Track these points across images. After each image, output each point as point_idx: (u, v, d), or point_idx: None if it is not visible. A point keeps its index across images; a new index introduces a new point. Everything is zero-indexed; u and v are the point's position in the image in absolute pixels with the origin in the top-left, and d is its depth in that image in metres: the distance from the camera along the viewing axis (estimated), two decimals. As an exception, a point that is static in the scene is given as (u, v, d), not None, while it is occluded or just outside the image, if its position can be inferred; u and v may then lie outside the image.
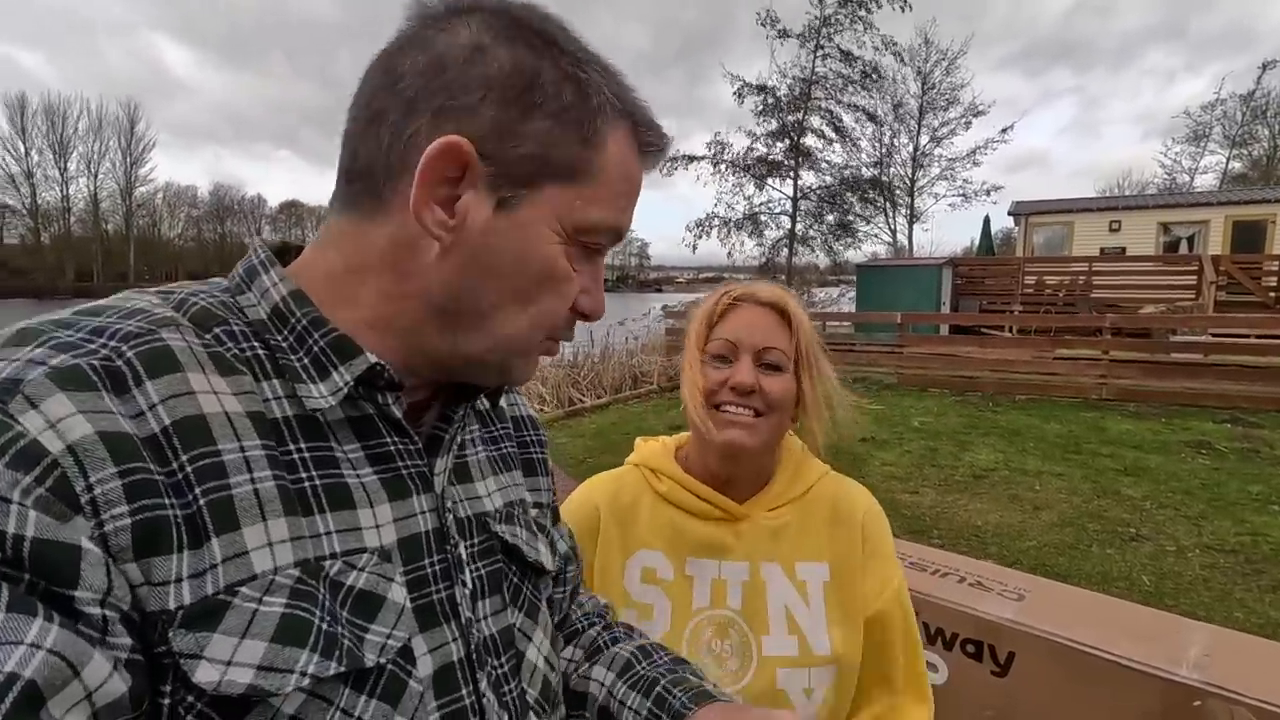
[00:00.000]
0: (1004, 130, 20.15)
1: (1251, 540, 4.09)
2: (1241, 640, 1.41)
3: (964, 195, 21.20)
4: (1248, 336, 9.41)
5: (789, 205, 18.33)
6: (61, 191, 51.24)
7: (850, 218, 18.84)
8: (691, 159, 17.92)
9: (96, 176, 51.98)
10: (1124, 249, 16.39)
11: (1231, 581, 3.60)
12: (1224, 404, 7.31)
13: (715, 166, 18.08)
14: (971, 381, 8.77)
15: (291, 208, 73.62)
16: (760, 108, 17.72)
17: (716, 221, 18.50)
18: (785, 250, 18.33)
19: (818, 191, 18.63)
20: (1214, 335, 9.49)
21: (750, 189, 18.39)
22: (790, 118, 17.72)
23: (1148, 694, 1.29)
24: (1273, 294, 13.02)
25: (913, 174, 22.15)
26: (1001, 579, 1.66)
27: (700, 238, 18.72)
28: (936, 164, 21.93)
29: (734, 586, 0.82)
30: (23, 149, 49.13)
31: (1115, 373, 8.03)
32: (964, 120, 21.14)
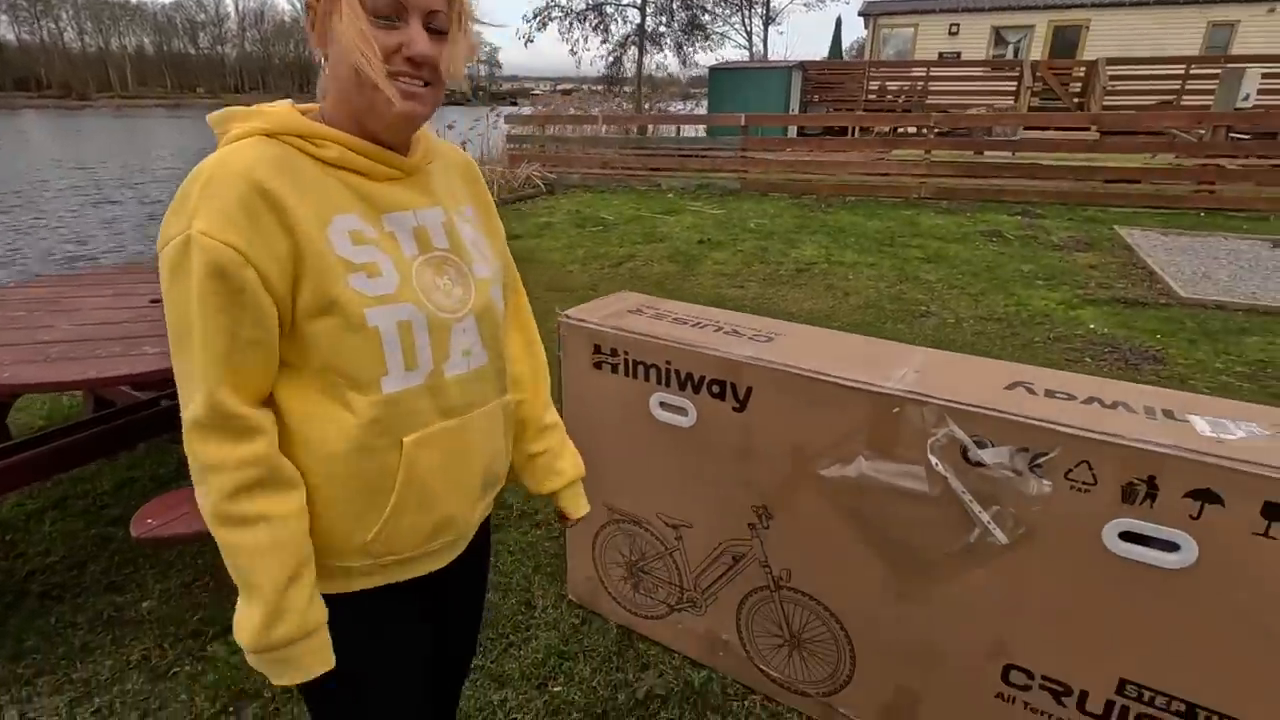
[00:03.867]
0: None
1: (1015, 310, 4.65)
2: (952, 359, 1.51)
3: (818, -7, 20.44)
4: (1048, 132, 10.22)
5: (638, -2, 16.79)
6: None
7: (703, 16, 17.69)
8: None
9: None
10: (959, 54, 16.85)
11: (992, 343, 4.11)
12: (1020, 199, 8.05)
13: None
14: (809, 184, 9.00)
15: None
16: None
17: (557, 11, 16.62)
18: (634, 49, 17.07)
19: (668, -18, 17.11)
20: (1026, 130, 10.21)
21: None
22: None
23: (859, 408, 1.36)
24: (1077, 99, 14.09)
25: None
26: (757, 326, 1.68)
27: (539, 29, 16.84)
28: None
29: (435, 230, 0.87)
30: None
31: (935, 172, 8.51)
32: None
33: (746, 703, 1.71)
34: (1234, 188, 7.49)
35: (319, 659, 0.80)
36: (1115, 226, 6.76)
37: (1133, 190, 7.82)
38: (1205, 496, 1.08)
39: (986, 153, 9.52)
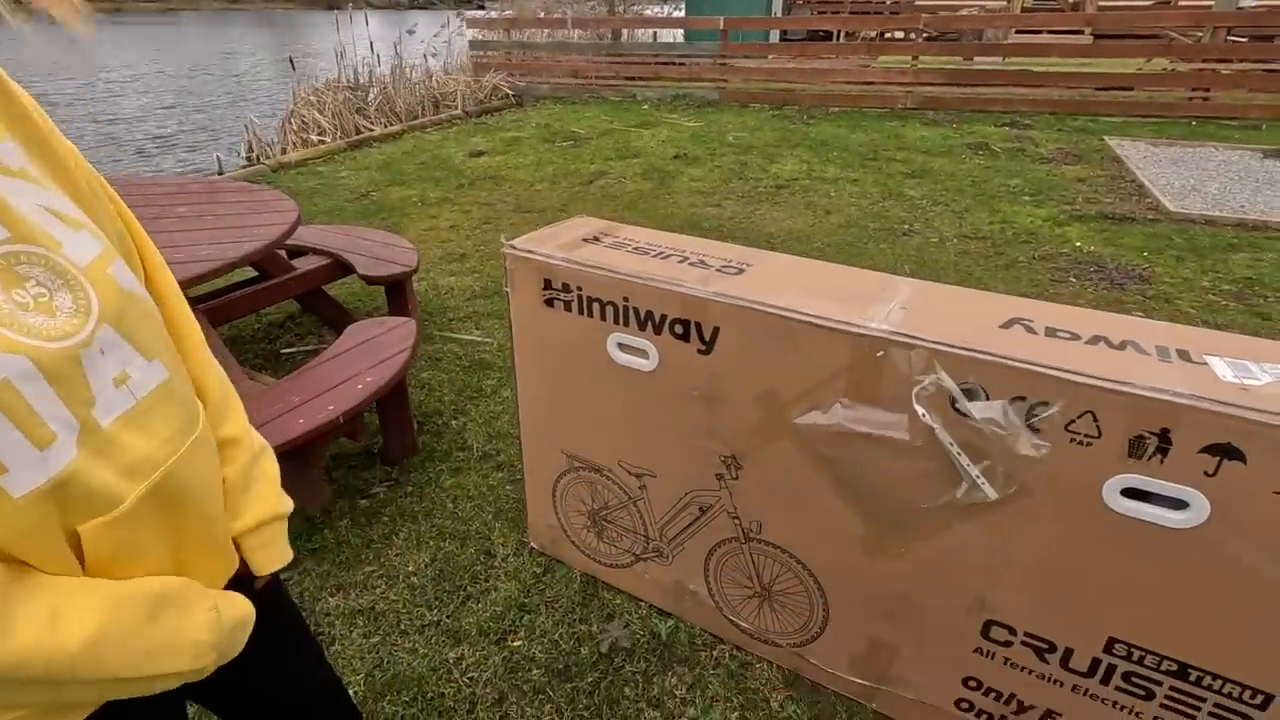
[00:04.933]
0: None
1: (1000, 228, 4.48)
2: (941, 292, 1.35)
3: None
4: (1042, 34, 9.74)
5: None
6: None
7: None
8: None
9: None
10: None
11: (975, 263, 3.95)
12: (1009, 109, 7.71)
13: None
14: (792, 94, 8.54)
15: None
16: None
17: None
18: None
19: None
20: (1017, 35, 9.72)
21: None
22: None
23: (839, 351, 1.21)
24: (1072, 0, 13.39)
25: None
26: (727, 256, 1.49)
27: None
28: None
29: None
30: None
31: (922, 80, 8.09)
32: None
33: (715, 652, 1.64)
34: (1228, 95, 7.22)
35: None
36: (1105, 137, 6.51)
37: (1124, 98, 7.51)
38: (1225, 452, 0.95)
39: (976, 59, 9.05)
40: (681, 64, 9.20)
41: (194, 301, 2.33)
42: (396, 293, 2.94)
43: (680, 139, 7.02)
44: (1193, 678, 1.11)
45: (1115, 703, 1.20)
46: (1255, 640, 1.04)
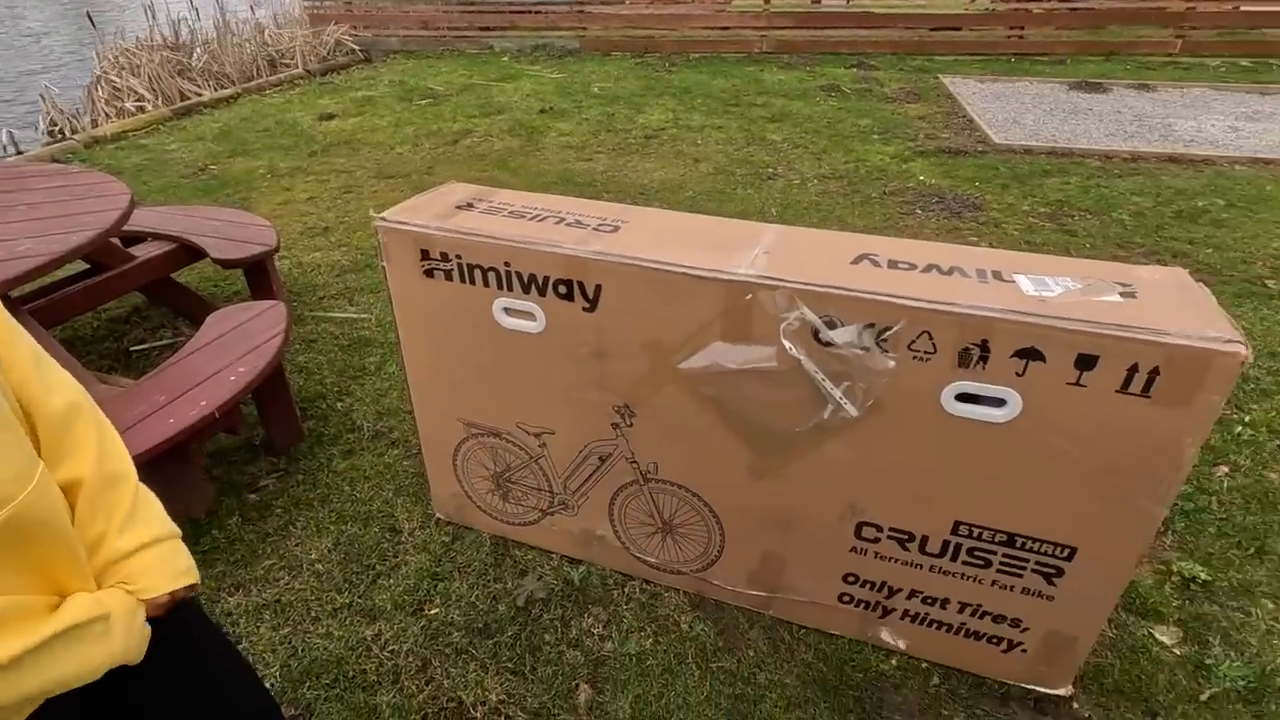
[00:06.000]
0: None
1: (854, 166, 4.79)
2: (800, 235, 1.47)
3: None
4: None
5: None
6: None
7: None
8: None
9: None
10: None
11: (835, 201, 4.23)
12: (855, 50, 8.13)
13: None
14: (652, 41, 8.53)
15: None
16: None
17: None
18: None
19: None
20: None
21: None
22: None
23: (713, 298, 1.30)
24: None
25: None
26: (601, 214, 1.54)
27: None
28: None
29: None
30: None
31: (775, 24, 8.33)
32: None
33: (627, 589, 1.75)
34: (1040, 32, 7.98)
35: None
36: (940, 75, 7.03)
37: (955, 38, 8.11)
38: (1029, 355, 1.14)
39: (822, 1, 9.42)
40: (538, 12, 8.91)
41: (19, 303, 2.09)
42: (258, 275, 2.76)
43: (544, 92, 6.86)
44: (1019, 544, 1.34)
45: (962, 574, 1.42)
46: (1062, 507, 1.27)
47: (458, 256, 1.47)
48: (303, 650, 1.60)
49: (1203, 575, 1.76)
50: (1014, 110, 5.87)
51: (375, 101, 6.64)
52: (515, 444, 1.70)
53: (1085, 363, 1.12)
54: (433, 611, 1.70)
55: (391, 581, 1.77)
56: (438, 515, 1.96)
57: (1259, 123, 5.45)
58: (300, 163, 5.03)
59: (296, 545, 1.88)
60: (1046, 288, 1.20)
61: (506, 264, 1.43)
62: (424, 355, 1.67)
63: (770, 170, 4.77)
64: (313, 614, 1.69)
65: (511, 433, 1.69)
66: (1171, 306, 1.15)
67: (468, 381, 1.65)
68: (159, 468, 1.66)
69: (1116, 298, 1.17)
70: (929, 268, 1.29)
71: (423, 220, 1.49)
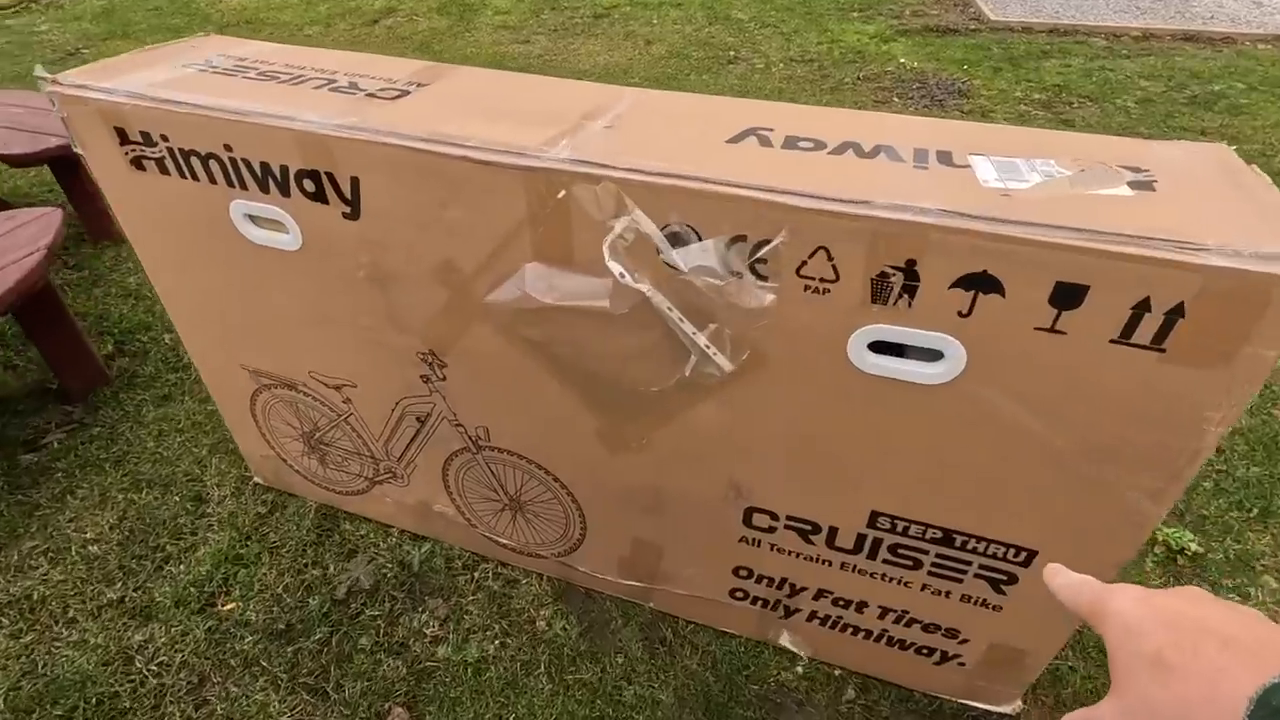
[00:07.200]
0: None
1: (828, 48, 4.15)
2: (670, 102, 1.01)
3: None
4: None
5: None
6: None
7: None
8: None
9: None
10: None
11: (800, 88, 3.65)
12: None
13: None
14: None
15: None
16: None
17: None
18: None
19: None
20: None
21: None
22: None
23: (511, 194, 0.86)
24: None
25: None
26: (394, 74, 1.06)
27: None
28: None
29: None
30: None
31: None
32: None
33: (477, 574, 1.40)
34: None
35: None
36: (935, -55, 6.18)
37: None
38: (980, 284, 0.72)
39: None
40: None
41: None
42: (70, 175, 2.24)
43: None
44: (958, 543, 0.96)
45: (884, 575, 1.06)
46: (1017, 497, 0.88)
47: (162, 137, 0.99)
48: (44, 666, 1.24)
49: (1193, 546, 1.43)
50: (1015, -17, 5.14)
51: (288, -25, 5.77)
52: (315, 398, 1.29)
53: (1066, 296, 0.70)
54: (227, 607, 1.34)
55: (180, 568, 1.40)
56: (256, 478, 1.58)
57: (1290, -4, 4.79)
58: (187, 46, 4.32)
59: (70, 521, 1.49)
60: (1017, 175, 0.76)
61: (228, 147, 0.96)
62: (172, 282, 1.23)
63: (731, 53, 4.13)
64: (69, 614, 1.32)
65: (307, 384, 1.27)
66: (1209, 204, 0.72)
67: (232, 318, 1.21)
68: None
69: (1124, 190, 0.74)
70: (844, 147, 0.84)
71: (113, 84, 1.00)
